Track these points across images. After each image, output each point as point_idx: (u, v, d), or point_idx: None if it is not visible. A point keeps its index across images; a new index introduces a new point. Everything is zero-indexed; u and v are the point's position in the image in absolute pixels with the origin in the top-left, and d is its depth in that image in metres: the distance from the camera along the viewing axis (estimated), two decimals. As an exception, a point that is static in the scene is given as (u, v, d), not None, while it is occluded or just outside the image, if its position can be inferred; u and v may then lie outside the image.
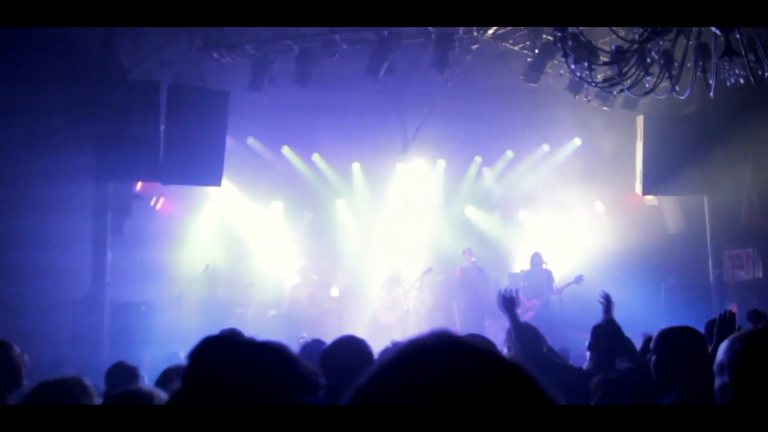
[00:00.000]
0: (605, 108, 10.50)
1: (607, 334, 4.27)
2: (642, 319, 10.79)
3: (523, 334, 4.55)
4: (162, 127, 9.52)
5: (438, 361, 0.85)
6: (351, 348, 3.73)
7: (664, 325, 6.95)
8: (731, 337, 2.32)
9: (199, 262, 11.26)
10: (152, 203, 11.64)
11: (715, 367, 2.32)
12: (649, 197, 12.23)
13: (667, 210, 12.79)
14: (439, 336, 0.89)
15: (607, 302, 4.82)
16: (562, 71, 6.17)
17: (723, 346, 2.32)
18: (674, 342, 3.15)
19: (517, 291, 4.85)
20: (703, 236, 11.77)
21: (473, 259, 12.15)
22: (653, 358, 3.14)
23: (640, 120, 10.98)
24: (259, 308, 11.39)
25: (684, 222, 12.49)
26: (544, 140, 13.63)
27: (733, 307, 11.23)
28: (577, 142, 13.46)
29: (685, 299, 11.44)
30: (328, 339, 7.22)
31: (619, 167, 12.60)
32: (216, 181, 9.98)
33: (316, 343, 6.11)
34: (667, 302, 11.62)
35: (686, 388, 2.95)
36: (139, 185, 10.77)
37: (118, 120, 9.23)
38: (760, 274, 11.34)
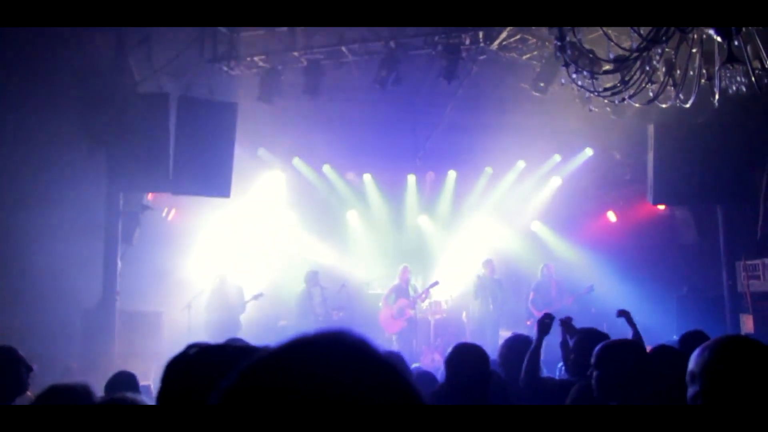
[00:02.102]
0: (613, 117, 10.44)
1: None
2: (654, 330, 10.70)
3: (534, 355, 4.54)
4: (172, 139, 9.63)
5: (310, 358, 0.84)
6: None
7: (676, 336, 6.90)
8: (701, 346, 2.30)
9: (210, 272, 11.32)
10: (164, 214, 11.76)
11: (686, 376, 2.30)
12: (662, 207, 12.11)
13: (680, 220, 12.65)
14: (325, 333, 0.88)
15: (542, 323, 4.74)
16: (563, 80, 6.12)
17: (693, 356, 2.30)
18: (615, 356, 3.17)
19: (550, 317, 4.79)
20: (716, 246, 11.63)
21: (492, 271, 12.07)
22: (594, 373, 3.16)
23: (651, 129, 10.89)
24: (269, 318, 11.41)
25: (697, 232, 12.34)
26: (556, 150, 13.57)
27: (749, 319, 11.12)
28: (588, 152, 13.38)
29: (698, 310, 11.31)
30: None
31: (632, 177, 12.49)
32: (225, 192, 10.05)
33: None
34: (679, 313, 11.48)
35: (625, 400, 3.00)
36: (150, 196, 10.88)
37: (129, 131, 9.35)
38: (777, 285, 11.17)
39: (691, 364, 2.28)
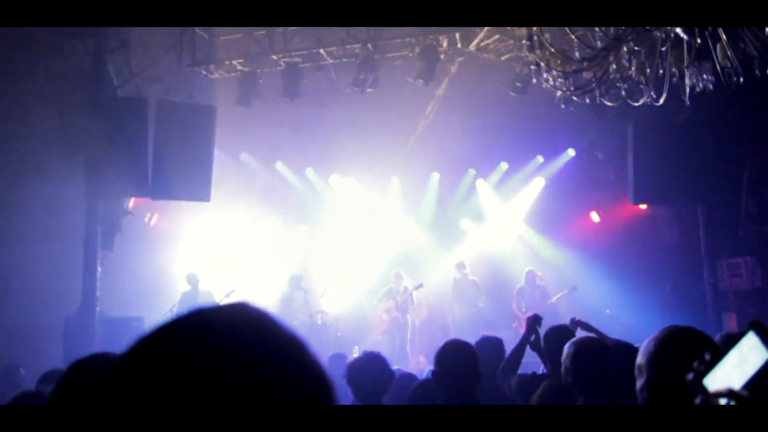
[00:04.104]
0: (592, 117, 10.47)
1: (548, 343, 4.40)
2: (638, 329, 10.71)
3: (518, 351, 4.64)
4: (151, 143, 9.58)
5: (207, 325, 0.83)
6: (373, 365, 3.84)
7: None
8: (648, 338, 2.30)
9: (182, 273, 11.27)
10: (146, 219, 11.71)
11: (635, 369, 2.30)
12: (643, 206, 12.15)
13: (662, 219, 12.70)
14: (226, 305, 0.87)
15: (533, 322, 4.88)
16: (534, 80, 6.14)
17: (641, 348, 2.31)
18: (582, 352, 3.26)
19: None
20: (699, 245, 11.66)
21: (465, 272, 12.12)
22: (563, 368, 3.28)
23: (630, 129, 10.94)
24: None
25: (680, 231, 12.39)
26: (539, 151, 13.60)
27: (732, 317, 11.14)
28: (571, 152, 13.42)
29: (681, 309, 11.33)
30: (325, 353, 7.24)
31: (614, 177, 12.53)
32: (205, 196, 10.01)
33: (338, 358, 6.35)
34: (663, 312, 11.50)
35: (591, 394, 3.10)
36: (132, 202, 10.82)
37: (108, 136, 9.28)
38: (759, 283, 11.20)
39: (639, 356, 2.28)
